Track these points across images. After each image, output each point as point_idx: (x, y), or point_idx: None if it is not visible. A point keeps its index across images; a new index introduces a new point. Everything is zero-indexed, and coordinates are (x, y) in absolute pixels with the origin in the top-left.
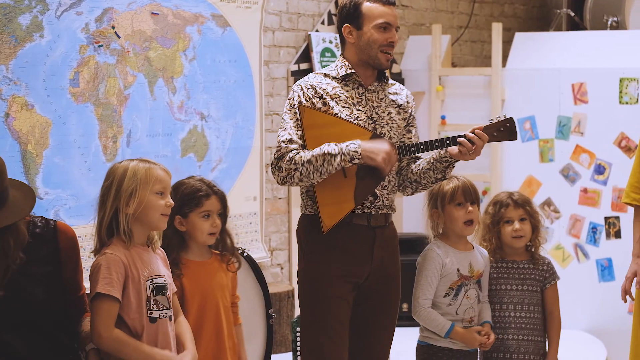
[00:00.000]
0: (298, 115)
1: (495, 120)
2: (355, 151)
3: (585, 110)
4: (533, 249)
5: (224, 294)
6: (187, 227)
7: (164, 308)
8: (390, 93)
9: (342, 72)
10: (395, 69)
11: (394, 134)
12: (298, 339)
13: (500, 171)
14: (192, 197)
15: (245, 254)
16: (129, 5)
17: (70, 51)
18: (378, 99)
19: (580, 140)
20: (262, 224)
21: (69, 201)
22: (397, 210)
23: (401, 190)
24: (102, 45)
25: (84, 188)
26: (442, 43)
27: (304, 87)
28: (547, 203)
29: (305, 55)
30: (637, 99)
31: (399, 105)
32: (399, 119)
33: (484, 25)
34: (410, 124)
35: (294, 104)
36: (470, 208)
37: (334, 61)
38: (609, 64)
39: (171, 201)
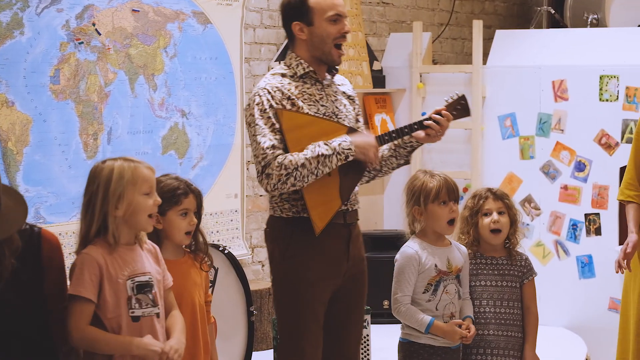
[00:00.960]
0: (273, 120)
1: (450, 100)
2: (350, 148)
3: (565, 107)
4: (510, 246)
5: (199, 293)
6: (164, 225)
7: (148, 306)
8: (338, 85)
9: (300, 71)
10: (376, 66)
11: (348, 123)
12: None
13: (481, 168)
14: (171, 195)
15: (226, 252)
16: (109, 2)
17: (50, 48)
18: (333, 92)
19: (560, 137)
20: (243, 221)
21: (49, 198)
22: (378, 207)
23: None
24: (82, 42)
25: (65, 185)
26: (423, 40)
27: (270, 90)
28: (528, 200)
29: (286, 52)
30: (617, 96)
31: (349, 96)
32: (351, 109)
33: (465, 23)
34: (358, 113)
35: (265, 109)
36: (453, 207)
37: None
38: (589, 62)
39: (158, 199)
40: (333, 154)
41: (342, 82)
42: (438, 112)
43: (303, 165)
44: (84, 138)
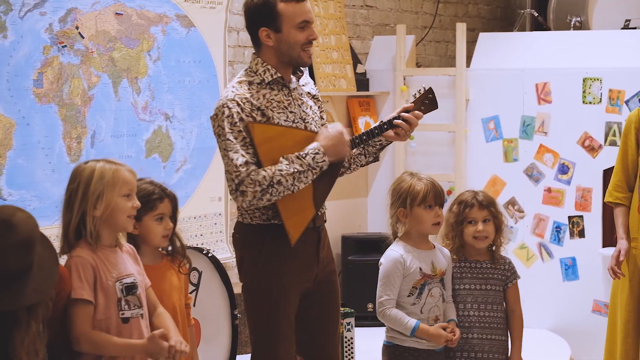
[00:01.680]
0: (244, 133)
1: (417, 95)
2: (323, 160)
3: (549, 110)
4: (494, 249)
5: (178, 296)
6: (140, 230)
7: (136, 307)
8: (302, 85)
9: (268, 77)
10: (359, 69)
11: (317, 127)
12: None
13: (465, 171)
14: (147, 200)
15: (210, 255)
16: (92, 5)
17: (33, 52)
18: (299, 95)
19: (544, 139)
20: (227, 224)
21: (33, 202)
22: (362, 210)
23: None
24: (66, 46)
25: (48, 189)
26: (406, 43)
27: (240, 102)
28: (511, 202)
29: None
30: (601, 99)
31: (313, 96)
32: (316, 110)
33: (448, 26)
34: (322, 111)
35: (235, 122)
36: (438, 212)
37: None
38: (572, 64)
39: (138, 202)
40: (308, 169)
41: (305, 81)
42: (406, 110)
43: (279, 182)
44: (67, 142)
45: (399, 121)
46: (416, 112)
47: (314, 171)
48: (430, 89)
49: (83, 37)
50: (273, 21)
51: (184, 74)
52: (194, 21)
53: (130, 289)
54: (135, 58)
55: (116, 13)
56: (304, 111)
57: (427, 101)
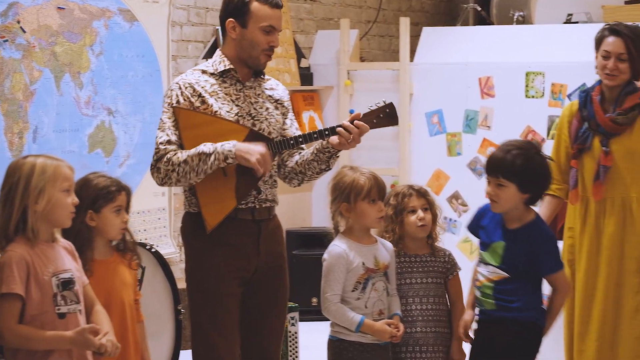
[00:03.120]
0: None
1: (374, 107)
2: (230, 150)
3: (492, 104)
4: (432, 241)
5: (128, 292)
6: (98, 222)
7: (73, 303)
8: (266, 89)
9: (221, 68)
10: (303, 63)
11: (273, 129)
12: None
13: (409, 165)
14: (106, 192)
15: (153, 250)
16: None
17: None
18: (255, 94)
19: (487, 133)
20: (170, 219)
21: None
22: (306, 204)
23: (287, 182)
24: (7, 40)
25: None
26: (350, 38)
27: (182, 86)
28: (455, 196)
29: (214, 50)
30: (543, 93)
31: (276, 100)
32: (277, 114)
33: (392, 20)
34: (285, 117)
35: (172, 103)
36: (381, 206)
37: None
38: (515, 58)
39: (76, 199)
40: (213, 153)
41: (273, 86)
42: (353, 120)
43: (185, 161)
44: (9, 137)
45: (340, 129)
46: (360, 123)
47: (217, 156)
48: (390, 104)
49: (25, 32)
50: (242, 16)
51: (127, 69)
52: (137, 15)
53: (67, 284)
54: (78, 52)
55: (58, 7)
56: (254, 109)
57: (382, 115)
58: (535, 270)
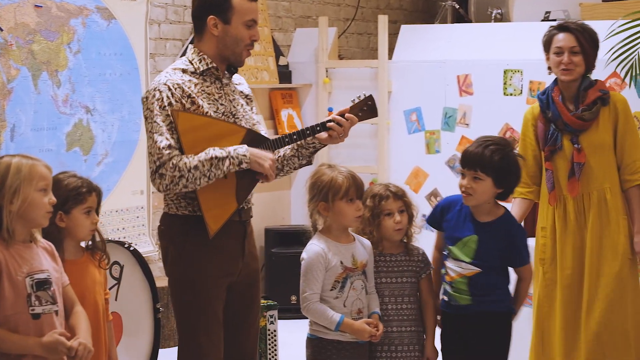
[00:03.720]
0: (171, 118)
1: (357, 100)
2: (244, 155)
3: (470, 101)
4: (406, 240)
5: (100, 291)
6: (68, 223)
7: (48, 303)
8: (236, 84)
9: (203, 67)
10: (282, 61)
11: (246, 124)
12: None
13: (387, 163)
14: (76, 193)
15: (131, 248)
16: None
17: None
18: (231, 91)
19: (465, 131)
20: (149, 217)
21: None
22: (285, 202)
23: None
24: None
25: None
26: (328, 35)
27: (171, 87)
28: (434, 194)
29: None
30: (521, 90)
31: (246, 95)
32: (248, 110)
33: (370, 18)
34: (255, 113)
35: (164, 106)
36: (359, 205)
37: None
38: (493, 56)
39: (54, 198)
40: (227, 157)
41: (239, 81)
42: (342, 114)
43: (196, 167)
44: None
45: (332, 124)
46: (351, 115)
47: (232, 161)
48: (370, 96)
49: (2, 30)
50: (224, 12)
51: (105, 67)
52: (115, 13)
53: (42, 284)
54: (55, 51)
55: (35, 5)
56: (234, 107)
57: (365, 108)
58: (507, 262)
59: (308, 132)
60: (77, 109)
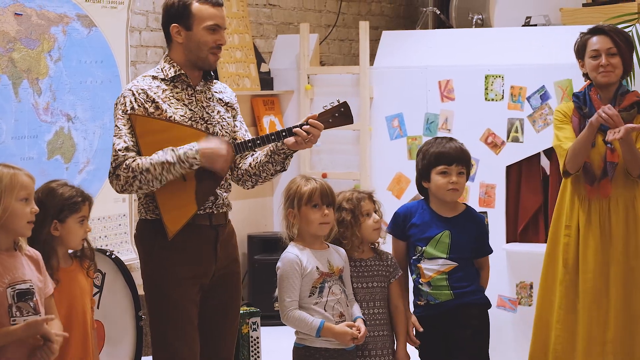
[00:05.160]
0: (131, 122)
1: (329, 107)
2: (194, 157)
3: (452, 107)
4: (377, 245)
5: (88, 299)
6: (62, 232)
7: (30, 314)
8: (215, 92)
9: (171, 73)
10: (263, 68)
11: (226, 132)
12: None
13: (369, 169)
14: (72, 202)
15: (113, 256)
16: None
17: None
18: (206, 98)
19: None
20: (131, 225)
21: None
22: (268, 209)
23: (241, 185)
24: None
25: None
26: (310, 42)
27: (135, 92)
28: (416, 199)
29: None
30: (503, 96)
31: (226, 103)
32: (227, 117)
33: (352, 24)
34: (235, 120)
35: (126, 110)
36: (326, 211)
37: None
38: (474, 61)
39: (36, 207)
40: (177, 162)
41: (221, 89)
42: (309, 119)
43: (147, 170)
44: None
45: (298, 129)
46: (314, 121)
47: (182, 165)
48: (344, 103)
49: None
50: (185, 19)
51: (86, 75)
52: (95, 21)
53: (23, 295)
54: (36, 59)
55: (15, 13)
56: (207, 112)
57: (337, 114)
58: (476, 253)
59: (273, 137)
60: (58, 117)
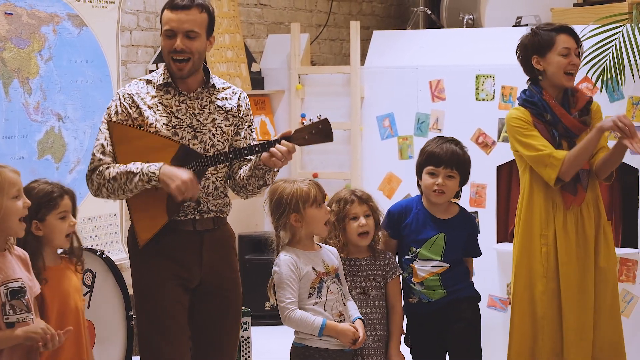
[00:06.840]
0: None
1: (309, 122)
2: (154, 173)
3: (442, 107)
4: (374, 244)
5: (79, 297)
6: (45, 230)
7: (23, 312)
8: (218, 99)
9: (160, 81)
10: (254, 68)
11: (219, 140)
12: None
13: (360, 169)
14: (48, 199)
15: (104, 256)
16: None
17: None
18: (201, 106)
19: None
20: (122, 225)
21: None
22: (259, 209)
23: (236, 194)
24: None
25: None
26: (301, 42)
27: (122, 97)
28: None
29: None
30: (494, 96)
31: (227, 111)
32: (225, 125)
33: (343, 24)
34: (240, 127)
35: (111, 114)
36: (326, 209)
37: None
38: (465, 61)
39: (27, 201)
40: (138, 173)
41: (227, 96)
42: (286, 137)
43: (114, 178)
44: None
45: (272, 148)
46: (287, 143)
47: (142, 177)
48: (325, 120)
49: None
50: (160, 26)
51: (77, 74)
52: (86, 20)
53: (16, 293)
54: (26, 58)
55: (6, 13)
56: (198, 120)
57: (314, 131)
58: (466, 254)
59: (245, 151)
60: (48, 116)
